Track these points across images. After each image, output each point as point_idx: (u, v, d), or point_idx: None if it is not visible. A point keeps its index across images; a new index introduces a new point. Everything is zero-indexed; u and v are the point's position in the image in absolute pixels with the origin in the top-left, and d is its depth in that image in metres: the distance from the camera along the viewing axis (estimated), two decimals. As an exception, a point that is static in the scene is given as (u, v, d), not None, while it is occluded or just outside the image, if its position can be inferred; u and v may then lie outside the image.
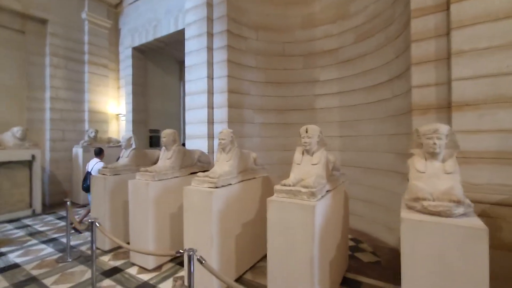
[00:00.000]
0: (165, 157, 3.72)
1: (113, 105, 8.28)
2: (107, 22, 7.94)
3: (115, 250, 3.93)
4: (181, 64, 9.48)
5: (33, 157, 5.90)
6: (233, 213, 3.01)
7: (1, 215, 5.46)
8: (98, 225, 2.62)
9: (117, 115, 8.35)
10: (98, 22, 7.75)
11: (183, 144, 9.27)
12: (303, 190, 2.29)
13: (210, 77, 4.98)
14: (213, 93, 5.01)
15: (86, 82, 7.57)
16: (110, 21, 8.01)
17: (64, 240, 4.41)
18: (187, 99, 5.26)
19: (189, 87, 5.23)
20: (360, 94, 4.65)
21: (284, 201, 2.33)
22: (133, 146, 4.35)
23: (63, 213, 6.09)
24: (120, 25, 8.40)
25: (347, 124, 4.87)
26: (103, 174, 4.07)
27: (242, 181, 3.22)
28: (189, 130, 5.17)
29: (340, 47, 4.95)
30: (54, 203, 6.85)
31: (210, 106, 4.97)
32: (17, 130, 5.79)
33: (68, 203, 3.63)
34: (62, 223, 5.31)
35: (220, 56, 4.92)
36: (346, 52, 4.87)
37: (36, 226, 5.15)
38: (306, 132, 2.63)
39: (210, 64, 4.98)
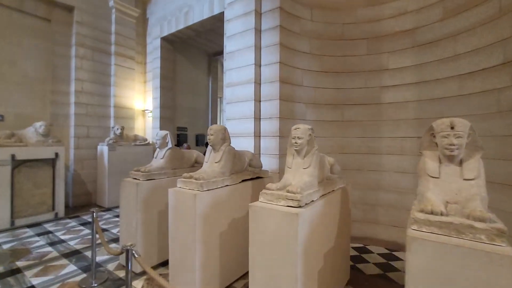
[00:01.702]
0: (212, 159, 2.95)
1: (139, 100, 7.71)
2: (134, 10, 7.37)
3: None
4: (210, 57, 8.81)
5: (57, 155, 5.38)
6: (318, 239, 2.19)
7: (21, 218, 4.96)
8: (136, 255, 1.87)
9: (143, 111, 7.77)
10: (125, 10, 7.19)
11: (188, 144, 8.61)
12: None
13: (258, 64, 4.18)
14: (260, 84, 4.21)
15: (113, 75, 7.04)
16: (138, 10, 7.44)
17: (89, 253, 3.78)
18: (227, 91, 4.49)
19: (230, 76, 4.46)
20: (448, 84, 3.68)
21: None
22: (169, 145, 3.63)
23: (87, 217, 5.53)
24: (147, 14, 7.83)
25: (428, 123, 3.89)
26: (135, 179, 3.38)
27: (323, 195, 2.39)
28: (230, 127, 4.40)
29: (418, 26, 3.99)
30: (77, 205, 6.34)
31: (257, 99, 4.18)
32: (40, 125, 5.29)
33: (94, 213, 2.95)
34: (87, 231, 4.71)
35: (270, 38, 4.11)
36: (428, 33, 3.90)
37: (58, 234, 4.58)
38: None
39: (257, 48, 4.18)
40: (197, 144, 8.16)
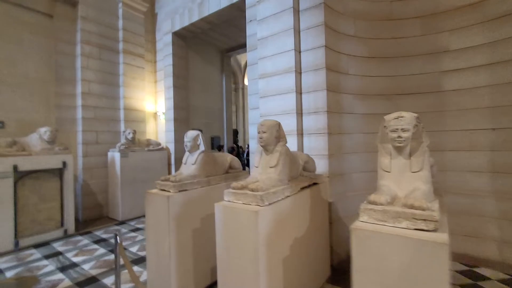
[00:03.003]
0: (265, 163, 2.32)
1: (150, 102, 7.12)
2: (143, 5, 6.80)
3: (185, 306, 2.59)
4: (223, 54, 8.22)
5: (64, 164, 4.77)
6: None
7: (26, 238, 4.34)
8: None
9: (155, 113, 7.17)
10: (133, 4, 6.62)
11: (237, 145, 7.97)
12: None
13: (298, 50, 3.56)
14: (301, 73, 3.59)
15: (121, 74, 6.45)
16: (146, 4, 6.87)
17: (107, 280, 3.16)
18: (262, 83, 3.87)
19: (263, 66, 3.85)
20: (536, 63, 3.05)
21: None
22: (202, 148, 3.01)
23: (99, 233, 4.91)
24: (156, 9, 7.26)
25: (507, 111, 3.27)
26: (163, 190, 2.76)
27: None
28: (265, 125, 3.77)
29: (488, -3, 3.37)
30: (88, 218, 5.72)
31: (299, 91, 3.55)
32: (45, 131, 4.69)
33: (118, 238, 2.32)
34: (101, 250, 4.10)
35: (311, 19, 3.49)
36: (502, 4, 3.28)
37: (69, 255, 3.96)
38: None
39: (297, 31, 3.57)
40: (212, 148, 7.52)
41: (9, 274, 3.45)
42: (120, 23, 6.49)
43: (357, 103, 3.79)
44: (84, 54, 5.86)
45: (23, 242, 4.28)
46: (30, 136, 4.73)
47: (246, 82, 14.05)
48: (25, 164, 4.34)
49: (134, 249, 4.14)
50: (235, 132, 8.98)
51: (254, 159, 2.46)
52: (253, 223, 1.88)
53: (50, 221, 4.67)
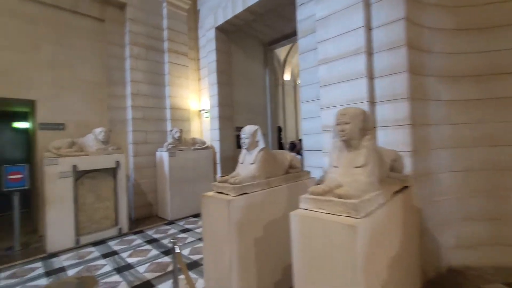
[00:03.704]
0: (349, 162, 1.86)
1: (194, 100, 7.05)
2: (185, 2, 6.73)
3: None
4: (265, 47, 7.84)
5: (118, 164, 4.83)
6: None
7: (85, 235, 4.46)
8: None
9: (199, 111, 7.09)
10: (176, 3, 6.58)
11: (299, 140, 7.53)
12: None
13: (368, 26, 3.00)
14: (372, 53, 3.02)
15: (166, 74, 6.45)
16: (188, 1, 6.79)
17: (161, 286, 2.99)
18: (322, 69, 3.39)
19: (324, 50, 3.35)
20: None
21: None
22: (261, 145, 2.65)
23: (151, 232, 4.89)
24: (198, 5, 7.16)
25: None
26: (220, 193, 2.46)
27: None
28: (328, 118, 3.29)
29: None
30: (139, 217, 5.81)
31: (370, 75, 2.99)
32: (99, 132, 4.79)
33: (176, 248, 2.05)
34: (154, 251, 4.00)
35: (386, -13, 2.91)
36: None
37: (124, 255, 3.93)
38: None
39: (366, 4, 3.01)
40: None
41: (70, 272, 3.49)
42: (165, 22, 6.49)
43: (443, 87, 3.09)
44: (132, 55, 5.95)
45: (83, 240, 4.40)
46: (87, 137, 4.87)
47: (286, 77, 13.54)
48: (83, 164, 4.45)
49: (185, 251, 3.97)
50: (279, 129, 8.55)
51: (330, 156, 2.01)
52: (349, 241, 1.43)
53: (106, 220, 4.76)
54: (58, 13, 5.24)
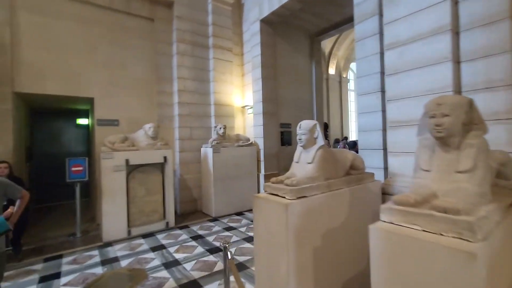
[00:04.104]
0: (446, 165, 1.44)
1: (238, 96, 6.94)
2: (230, -4, 6.63)
3: None
4: (312, 38, 7.38)
5: (165, 159, 4.92)
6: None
7: (136, 227, 4.62)
8: None
9: (243, 107, 6.97)
10: (221, -3, 6.51)
11: (354, 143, 6.98)
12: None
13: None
14: (459, 32, 2.48)
15: (211, 70, 6.43)
16: (233, -5, 6.67)
17: (210, 287, 2.87)
18: (390, 56, 2.91)
19: (394, 32, 2.87)
20: None
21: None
22: (320, 143, 2.33)
23: (196, 228, 4.90)
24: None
25: None
26: (274, 195, 2.21)
27: None
28: (398, 113, 2.82)
29: None
30: (184, 212, 5.90)
31: (456, 59, 2.46)
32: (149, 127, 4.92)
33: (229, 255, 1.87)
34: (199, 249, 3.95)
35: None
36: None
37: (172, 250, 3.95)
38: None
39: (455, -30, 2.47)
40: None
41: (123, 262, 3.60)
42: (210, 18, 6.46)
43: (558, 71, 2.40)
44: (179, 52, 6.03)
45: (134, 231, 4.56)
46: (137, 132, 5.05)
47: (330, 71, 12.79)
48: (134, 158, 4.60)
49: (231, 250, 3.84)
50: (325, 126, 8.04)
51: (417, 157, 1.61)
52: (465, 272, 1.06)
53: (155, 214, 4.89)
54: (112, 15, 5.52)
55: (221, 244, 2.17)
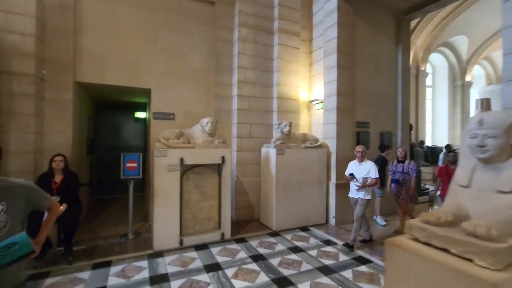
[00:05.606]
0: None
1: (304, 89, 5.96)
2: (300, -28, 5.67)
3: None
4: (399, 18, 5.97)
5: (223, 159, 4.23)
6: None
7: (188, 236, 4.03)
8: None
9: (310, 102, 5.96)
10: (290, -26, 5.59)
11: (431, 148, 5.59)
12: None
13: None
14: None
15: (275, 58, 5.58)
16: (304, -30, 5.70)
17: None
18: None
19: None
20: None
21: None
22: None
23: (254, 244, 4.11)
24: (314, -25, 5.97)
25: None
26: (441, 249, 1.18)
27: None
28: None
29: None
30: (240, 219, 5.17)
31: None
32: (206, 122, 4.28)
33: None
34: (263, 277, 3.11)
35: None
36: None
37: (229, 273, 3.19)
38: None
39: None
40: (381, 149, 5.42)
41: (174, 284, 2.97)
42: (276, -1, 5.60)
43: None
44: (240, 38, 5.31)
45: (186, 241, 3.97)
46: (194, 128, 4.46)
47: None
48: (189, 157, 4.01)
49: (304, 286, 2.92)
50: (410, 128, 6.55)
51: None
52: None
53: (209, 221, 4.24)
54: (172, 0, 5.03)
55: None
